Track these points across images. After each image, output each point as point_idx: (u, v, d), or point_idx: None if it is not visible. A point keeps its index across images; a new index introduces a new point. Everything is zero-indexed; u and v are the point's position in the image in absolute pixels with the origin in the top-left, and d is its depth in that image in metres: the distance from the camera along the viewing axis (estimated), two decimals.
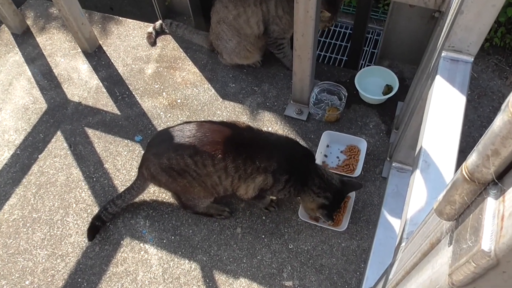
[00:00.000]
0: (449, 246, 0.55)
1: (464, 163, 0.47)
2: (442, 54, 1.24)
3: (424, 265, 0.70)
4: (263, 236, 1.98)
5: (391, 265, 1.04)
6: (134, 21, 2.83)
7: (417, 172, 1.08)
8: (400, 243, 1.01)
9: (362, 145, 2.14)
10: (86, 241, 2.00)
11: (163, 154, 1.72)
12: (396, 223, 1.88)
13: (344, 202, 1.97)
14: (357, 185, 1.85)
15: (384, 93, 2.33)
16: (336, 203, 1.81)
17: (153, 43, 2.71)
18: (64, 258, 1.96)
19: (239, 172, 1.70)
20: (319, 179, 1.76)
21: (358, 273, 1.86)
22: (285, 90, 2.46)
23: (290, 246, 1.94)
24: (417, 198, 1.03)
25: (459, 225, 0.51)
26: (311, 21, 1.80)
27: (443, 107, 1.14)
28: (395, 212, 1.89)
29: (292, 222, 2.01)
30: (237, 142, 1.69)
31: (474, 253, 0.43)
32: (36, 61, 2.69)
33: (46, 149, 2.30)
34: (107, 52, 2.70)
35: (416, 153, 1.20)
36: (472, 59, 1.20)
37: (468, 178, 0.45)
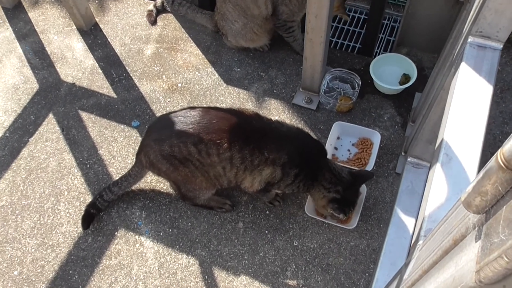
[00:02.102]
0: (476, 242, 0.55)
1: (499, 150, 0.46)
2: (469, 40, 1.22)
3: (445, 263, 0.70)
4: (266, 231, 1.99)
5: (406, 264, 1.04)
6: None
7: (437, 166, 1.07)
8: (416, 241, 1.01)
9: (376, 138, 2.14)
10: (78, 231, 2.01)
11: (165, 140, 1.73)
12: (410, 222, 1.87)
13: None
14: (368, 175, 1.85)
15: (401, 83, 2.32)
16: (347, 197, 1.81)
17: (153, 22, 2.69)
18: (55, 248, 1.97)
19: (245, 163, 1.70)
20: (330, 173, 1.77)
21: (367, 274, 1.86)
22: (294, 77, 2.46)
23: (295, 243, 1.95)
24: (436, 193, 1.02)
25: (490, 217, 0.51)
26: (326, 1, 1.77)
27: (468, 96, 1.14)
28: (409, 211, 1.88)
29: (298, 217, 2.01)
30: (245, 131, 1.70)
31: (508, 247, 0.43)
32: (28, 37, 2.68)
33: (37, 132, 2.30)
34: (103, 30, 2.68)
35: (436, 146, 1.20)
36: (501, 46, 1.19)
37: (504, 166, 0.44)
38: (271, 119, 1.80)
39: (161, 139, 1.74)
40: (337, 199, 1.78)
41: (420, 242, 0.96)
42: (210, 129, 1.67)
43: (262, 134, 1.71)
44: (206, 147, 1.67)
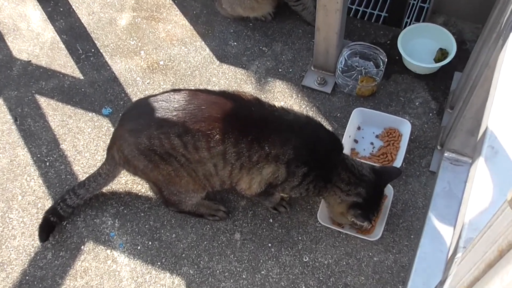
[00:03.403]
0: None
1: None
2: None
3: (489, 279, 0.70)
4: (269, 244, 1.98)
5: (442, 282, 1.05)
6: None
7: (480, 161, 1.08)
8: (454, 253, 1.01)
9: (405, 128, 2.13)
10: (35, 244, 2.00)
11: (142, 131, 1.72)
12: (447, 232, 1.88)
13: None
14: (395, 172, 1.86)
15: (437, 60, 2.32)
16: (371, 200, 1.81)
17: None
18: (5, 266, 1.97)
19: (241, 160, 1.71)
20: (347, 172, 1.77)
21: None
22: (303, 53, 2.44)
23: (305, 258, 1.95)
24: (479, 195, 1.03)
25: None
26: None
27: None
28: (446, 218, 1.89)
29: (309, 227, 2.01)
30: (242, 119, 1.70)
31: None
32: None
33: None
34: None
35: (478, 138, 1.20)
36: None
37: None
38: (275, 105, 1.79)
39: (138, 130, 1.73)
40: (359, 204, 1.78)
41: (459, 254, 0.97)
42: (198, 117, 1.67)
43: (262, 123, 1.71)
44: (194, 140, 1.67)
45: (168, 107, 1.71)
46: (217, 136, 1.66)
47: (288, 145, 1.69)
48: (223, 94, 1.77)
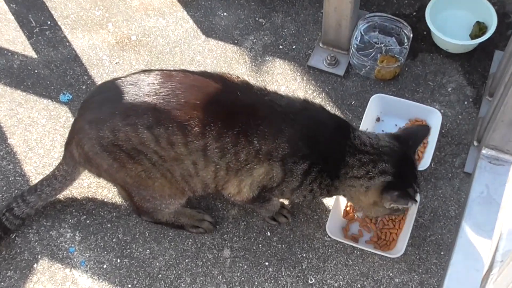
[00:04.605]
0: None
1: None
2: None
3: None
4: (266, 263, 1.97)
5: None
6: None
7: None
8: (490, 269, 1.02)
9: (434, 119, 2.13)
10: None
11: (104, 122, 1.70)
12: (484, 246, 1.86)
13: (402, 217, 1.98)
14: (421, 131, 1.85)
15: (473, 36, 2.32)
16: (405, 173, 1.75)
17: None
18: None
19: (226, 158, 1.69)
20: (360, 153, 1.73)
21: None
22: (310, 26, 2.44)
23: (311, 280, 1.94)
24: None
25: None
26: None
27: None
28: (484, 229, 1.87)
29: (316, 241, 2.00)
30: (226, 107, 1.69)
31: None
32: None
33: None
34: None
35: None
36: None
37: None
38: (266, 89, 1.79)
39: (99, 121, 1.72)
40: (391, 184, 1.72)
41: (495, 270, 0.98)
42: (172, 104, 1.65)
43: (250, 112, 1.70)
44: (167, 133, 1.66)
45: (136, 92, 1.69)
46: (195, 128, 1.64)
47: (281, 137, 1.68)
48: (203, 76, 1.75)
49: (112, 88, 1.76)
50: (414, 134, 1.81)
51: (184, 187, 1.82)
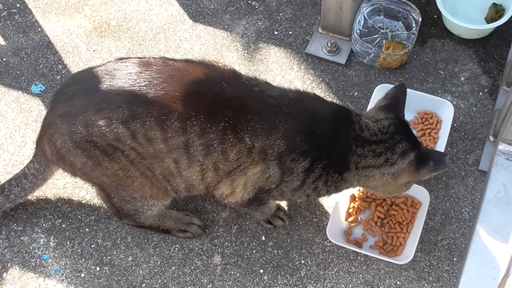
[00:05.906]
0: None
1: None
2: None
3: None
4: (261, 270, 1.97)
5: None
6: None
7: None
8: (506, 275, 1.05)
9: (446, 112, 2.14)
10: None
11: (76, 116, 1.70)
12: (501, 251, 1.86)
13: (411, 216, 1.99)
14: (400, 88, 1.84)
15: (489, 20, 2.31)
16: (414, 138, 1.77)
17: None
18: None
19: (212, 157, 1.69)
20: (369, 145, 1.71)
21: None
22: (308, 9, 2.43)
23: None
24: None
25: None
26: None
27: None
28: (501, 232, 1.88)
29: (315, 247, 2.00)
30: (209, 99, 1.67)
31: None
32: None
33: None
34: None
35: None
36: None
37: None
38: (256, 79, 1.78)
39: (71, 114, 1.71)
40: (419, 156, 1.74)
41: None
42: (150, 95, 1.65)
43: (238, 105, 1.68)
44: (144, 128, 1.65)
45: (111, 82, 1.69)
46: (175, 122, 1.64)
47: (276, 132, 1.67)
48: (187, 63, 1.76)
49: (86, 78, 1.77)
50: (397, 97, 1.84)
51: (167, 187, 1.84)
